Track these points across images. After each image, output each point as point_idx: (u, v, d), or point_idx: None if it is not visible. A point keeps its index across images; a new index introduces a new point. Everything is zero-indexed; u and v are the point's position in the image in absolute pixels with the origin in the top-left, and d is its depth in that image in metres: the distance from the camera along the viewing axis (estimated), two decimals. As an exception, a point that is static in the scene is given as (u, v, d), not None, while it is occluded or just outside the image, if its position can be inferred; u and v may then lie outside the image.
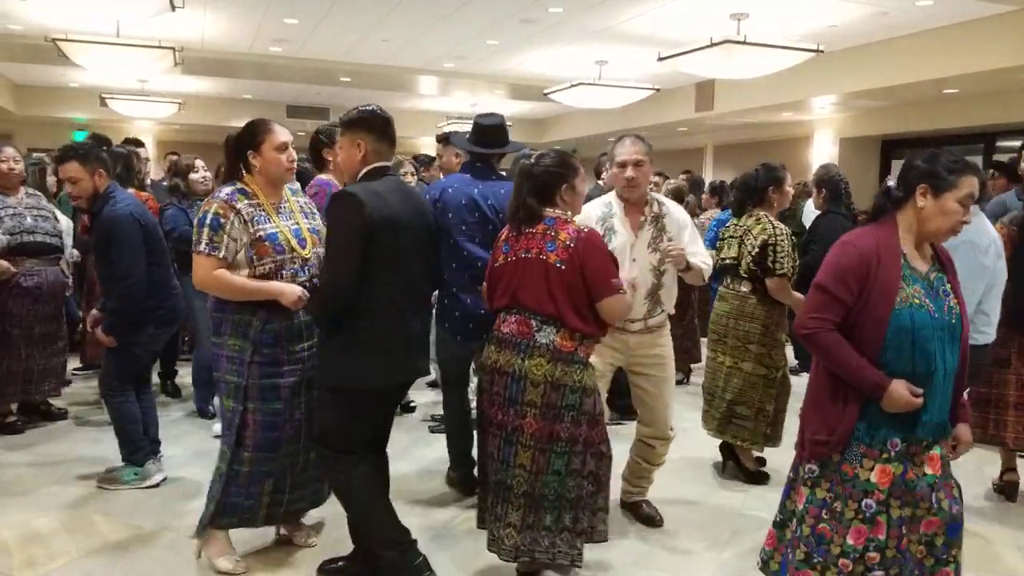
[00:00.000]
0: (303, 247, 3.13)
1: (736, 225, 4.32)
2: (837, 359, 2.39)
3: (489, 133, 3.93)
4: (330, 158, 4.12)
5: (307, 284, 3.08)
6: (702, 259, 3.57)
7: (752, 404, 4.16)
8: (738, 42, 7.06)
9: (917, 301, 2.37)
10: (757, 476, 4.37)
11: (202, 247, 2.97)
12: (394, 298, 2.85)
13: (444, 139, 5.33)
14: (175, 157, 7.08)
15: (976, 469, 4.54)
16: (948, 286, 2.48)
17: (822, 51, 7.42)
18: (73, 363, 5.79)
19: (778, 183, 4.27)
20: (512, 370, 2.85)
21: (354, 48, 10.11)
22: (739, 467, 4.41)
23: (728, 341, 4.22)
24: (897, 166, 12.12)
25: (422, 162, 7.20)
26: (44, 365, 4.84)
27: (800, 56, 7.51)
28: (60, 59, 8.33)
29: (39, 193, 4.97)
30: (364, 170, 2.92)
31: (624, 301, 2.93)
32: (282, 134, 3.12)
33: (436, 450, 4.61)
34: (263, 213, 3.07)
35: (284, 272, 3.06)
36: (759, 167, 4.35)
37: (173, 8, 6.60)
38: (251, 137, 3.10)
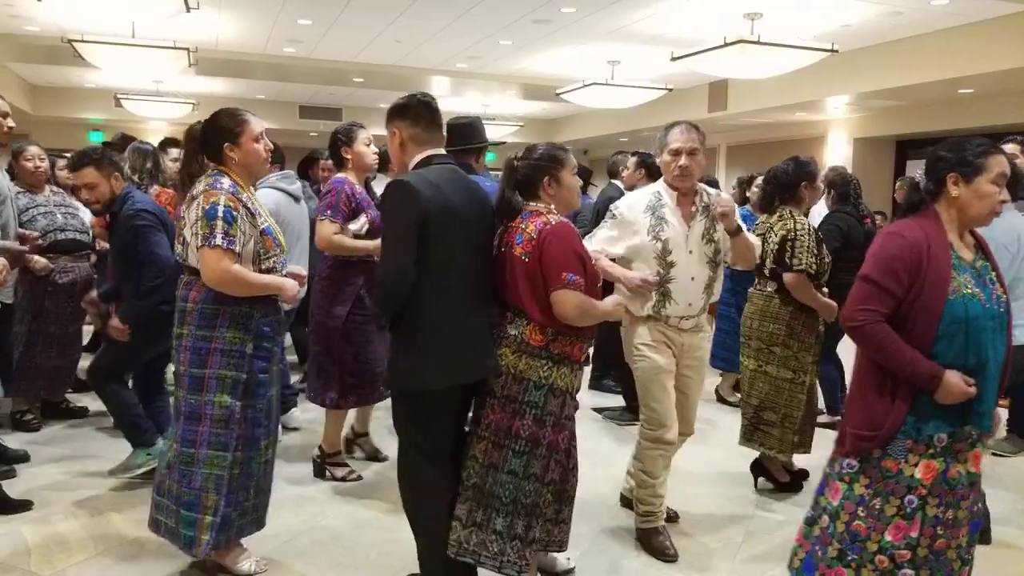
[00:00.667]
0: (284, 241, 3.14)
1: (762, 222, 4.20)
2: (889, 351, 2.33)
3: (461, 133, 3.95)
4: (348, 156, 4.13)
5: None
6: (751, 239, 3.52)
7: (778, 409, 3.99)
8: (752, 42, 7.05)
9: (968, 291, 2.32)
10: (790, 486, 4.24)
11: (218, 240, 2.82)
12: (452, 293, 2.69)
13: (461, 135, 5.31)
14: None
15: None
16: (993, 274, 2.44)
17: (836, 51, 7.40)
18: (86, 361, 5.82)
19: (811, 178, 4.12)
20: None
21: (367, 49, 10.14)
22: (771, 481, 4.27)
23: (752, 343, 4.07)
24: (912, 166, 12.14)
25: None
26: (70, 365, 4.89)
27: (814, 56, 7.48)
28: (76, 60, 8.40)
29: (62, 190, 4.99)
30: (414, 160, 2.79)
31: (575, 298, 2.69)
32: (258, 124, 3.02)
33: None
34: (257, 207, 3.02)
35: (277, 267, 3.04)
36: (789, 161, 4.18)
37: (188, 9, 6.64)
38: (227, 129, 2.97)
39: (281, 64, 10.94)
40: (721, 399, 6.02)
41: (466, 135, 4.01)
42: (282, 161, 5.05)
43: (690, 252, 3.35)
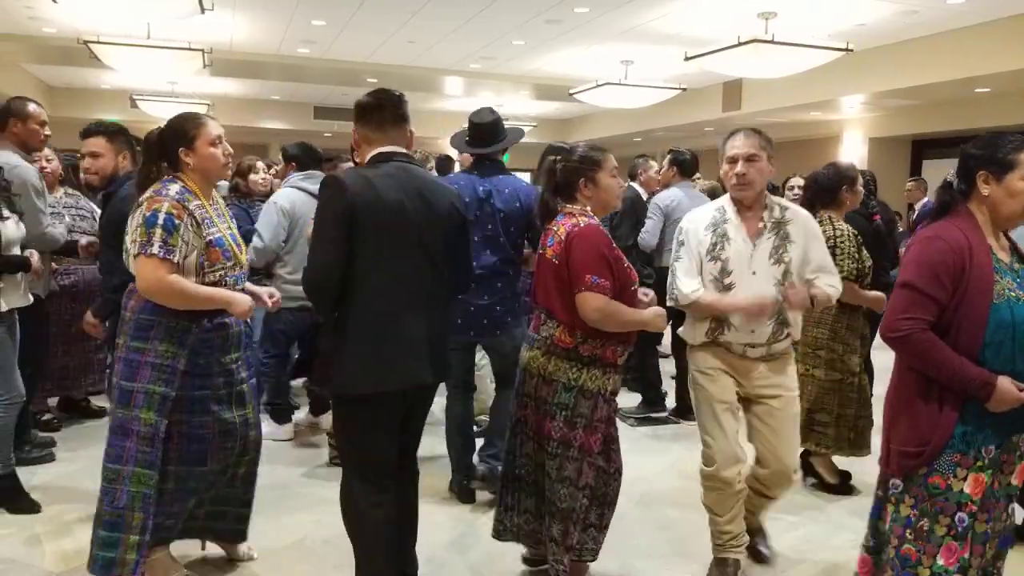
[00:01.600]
0: (240, 253, 2.95)
1: None
2: (936, 360, 2.19)
3: (485, 132, 3.86)
4: (358, 161, 4.18)
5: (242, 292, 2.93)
6: (828, 282, 3.06)
7: (831, 410, 3.99)
8: (766, 41, 7.00)
9: (1013, 294, 2.21)
10: (840, 488, 4.21)
11: (154, 249, 2.65)
12: (386, 294, 2.56)
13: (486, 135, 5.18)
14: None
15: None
16: None
17: (851, 50, 7.34)
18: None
19: (851, 182, 4.10)
20: (521, 362, 2.91)
21: (380, 49, 10.16)
22: (819, 480, 4.25)
23: (798, 347, 3.94)
24: (928, 166, 12.06)
25: (440, 162, 7.18)
26: (81, 362, 4.92)
27: (829, 55, 7.43)
28: (91, 61, 8.46)
29: (78, 192, 5.00)
30: (365, 158, 2.71)
31: (597, 300, 2.66)
32: (215, 127, 2.86)
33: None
34: (208, 216, 2.84)
35: (227, 280, 2.85)
36: (829, 166, 4.18)
37: (202, 10, 6.67)
38: (182, 133, 2.83)
39: (295, 65, 10.98)
40: None
41: (490, 136, 3.89)
42: (319, 162, 5.09)
43: (753, 273, 2.99)
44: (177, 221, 2.70)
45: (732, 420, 3.07)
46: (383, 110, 2.70)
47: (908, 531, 2.27)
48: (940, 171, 11.13)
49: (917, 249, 2.29)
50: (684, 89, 9.89)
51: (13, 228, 3.55)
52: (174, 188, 2.77)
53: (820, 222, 3.96)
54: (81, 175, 4.35)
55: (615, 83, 9.64)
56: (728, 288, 3.00)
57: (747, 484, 3.13)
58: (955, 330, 2.21)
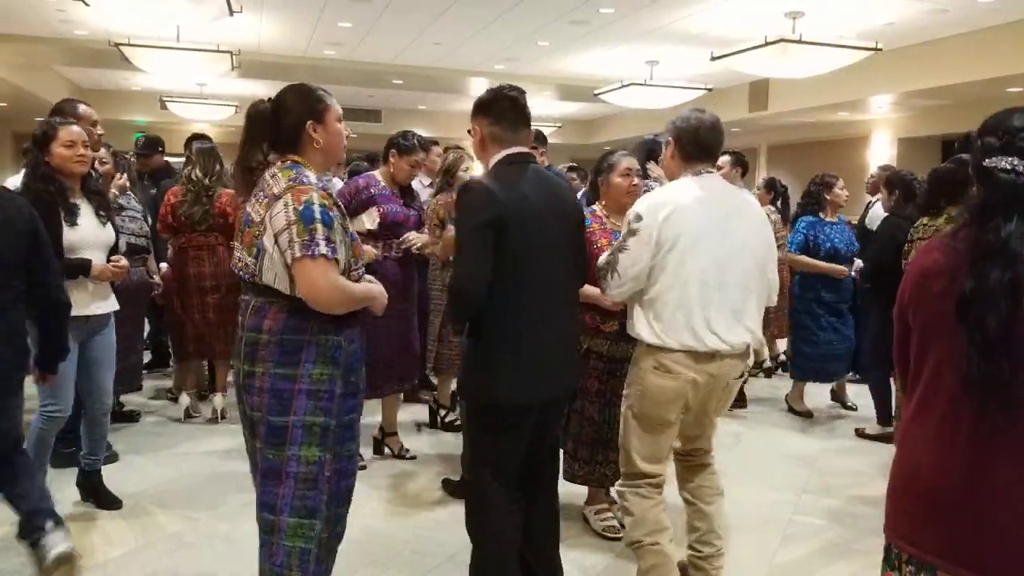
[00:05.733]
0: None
1: (926, 226, 3.98)
2: None
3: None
4: (392, 160, 4.35)
5: None
6: None
7: None
8: (793, 41, 6.96)
9: None
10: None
11: (322, 248, 2.22)
12: (532, 303, 2.51)
13: (537, 138, 4.97)
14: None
15: None
16: None
17: (880, 49, 7.27)
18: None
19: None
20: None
21: (406, 51, 10.22)
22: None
23: None
24: (958, 167, 11.83)
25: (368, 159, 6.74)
26: (121, 367, 4.95)
27: (857, 55, 7.37)
28: (122, 63, 8.58)
29: (128, 193, 4.93)
30: (495, 159, 2.60)
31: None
32: (338, 107, 2.49)
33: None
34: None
35: (363, 277, 2.53)
36: (953, 161, 4.07)
37: (231, 13, 6.75)
38: (310, 105, 2.42)
39: (322, 66, 11.07)
40: (791, 409, 5.81)
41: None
42: (373, 163, 5.21)
43: None
44: (331, 214, 2.30)
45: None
46: (510, 105, 2.61)
47: None
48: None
49: None
50: (710, 89, 9.84)
51: (87, 232, 3.47)
52: (311, 175, 2.35)
53: (948, 218, 3.82)
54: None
55: (640, 83, 9.62)
56: None
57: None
58: None
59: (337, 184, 4.91)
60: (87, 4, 6.96)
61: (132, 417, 5.23)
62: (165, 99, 12.53)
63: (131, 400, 5.41)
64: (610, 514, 3.64)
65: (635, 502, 2.80)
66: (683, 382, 2.68)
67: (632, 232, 2.69)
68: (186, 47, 8.08)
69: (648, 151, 3.91)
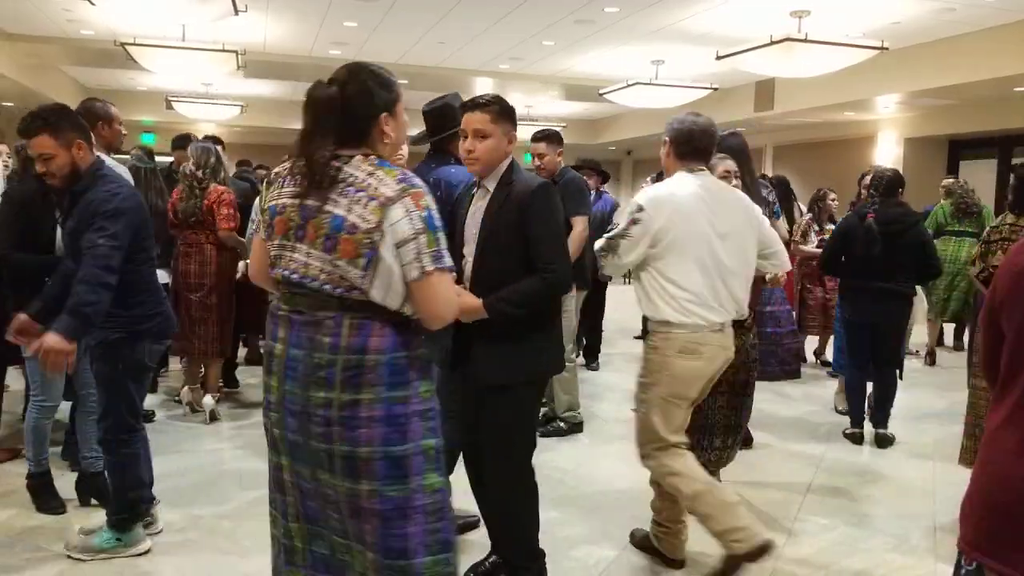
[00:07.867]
0: None
1: (1011, 225, 3.90)
2: None
3: (435, 117, 3.55)
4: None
5: None
6: None
7: None
8: (799, 40, 6.95)
9: None
10: None
11: (447, 260, 2.03)
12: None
13: (545, 137, 4.91)
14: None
15: None
16: None
17: (886, 48, 7.26)
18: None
19: None
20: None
21: (411, 51, 10.23)
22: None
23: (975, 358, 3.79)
24: (964, 167, 11.85)
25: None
26: None
27: (863, 54, 7.36)
28: (128, 63, 8.60)
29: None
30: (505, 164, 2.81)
31: None
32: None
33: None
34: None
35: None
36: None
37: (236, 12, 6.76)
38: (384, 93, 2.11)
39: (327, 66, 10.84)
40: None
41: (441, 120, 3.52)
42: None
43: None
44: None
45: None
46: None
47: None
48: (977, 172, 10.96)
49: None
50: (715, 89, 9.83)
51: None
52: (408, 173, 2.05)
53: None
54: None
55: (645, 83, 9.61)
56: None
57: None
58: None
59: None
60: (93, 4, 6.97)
61: (147, 417, 5.22)
62: (171, 99, 12.55)
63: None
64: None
65: (675, 460, 3.03)
66: (706, 360, 3.01)
67: (635, 221, 2.98)
68: (192, 47, 8.10)
69: (739, 151, 4.05)
